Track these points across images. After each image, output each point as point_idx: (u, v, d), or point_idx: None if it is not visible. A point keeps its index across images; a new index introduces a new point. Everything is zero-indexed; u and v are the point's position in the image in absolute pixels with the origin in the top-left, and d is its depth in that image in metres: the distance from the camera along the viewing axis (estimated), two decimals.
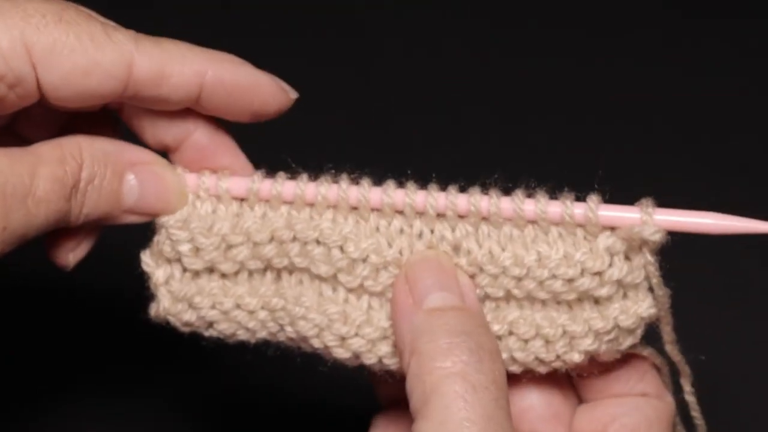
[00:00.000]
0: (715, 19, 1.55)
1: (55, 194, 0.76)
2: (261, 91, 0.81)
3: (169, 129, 0.82)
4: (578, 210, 0.80)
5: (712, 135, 1.43)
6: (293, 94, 0.83)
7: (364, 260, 0.81)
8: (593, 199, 0.80)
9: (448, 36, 1.52)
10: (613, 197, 0.81)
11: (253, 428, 1.13)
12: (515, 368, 0.82)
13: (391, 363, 0.81)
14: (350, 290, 0.82)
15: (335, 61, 1.46)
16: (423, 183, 0.82)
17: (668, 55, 1.51)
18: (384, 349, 0.81)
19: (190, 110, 0.82)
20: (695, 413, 0.88)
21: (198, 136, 0.83)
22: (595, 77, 1.47)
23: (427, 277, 0.79)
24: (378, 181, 0.82)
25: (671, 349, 0.84)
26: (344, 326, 0.81)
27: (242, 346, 0.84)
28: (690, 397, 0.87)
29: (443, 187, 0.82)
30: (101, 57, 0.75)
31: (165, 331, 0.84)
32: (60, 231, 0.82)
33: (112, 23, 0.78)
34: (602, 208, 0.80)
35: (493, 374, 0.73)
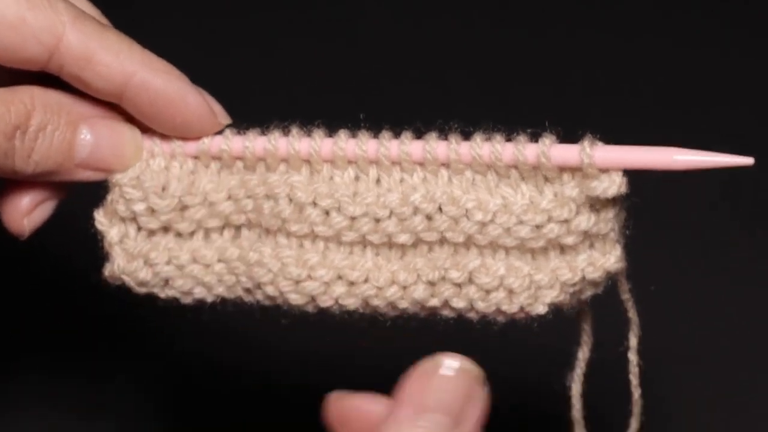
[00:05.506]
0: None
1: None
2: (186, 108, 0.80)
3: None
4: (531, 151, 0.77)
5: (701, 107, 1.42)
6: (224, 120, 0.82)
7: (313, 204, 0.79)
8: (546, 139, 0.77)
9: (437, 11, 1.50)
10: None
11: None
12: (473, 315, 0.80)
13: (348, 303, 0.80)
14: (303, 237, 0.81)
15: (320, 32, 1.45)
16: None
17: (659, 27, 1.49)
18: (339, 289, 0.80)
19: None
20: (633, 377, 0.84)
21: None
22: (585, 47, 1.46)
23: None
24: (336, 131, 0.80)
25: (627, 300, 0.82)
26: (297, 269, 0.80)
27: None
28: (632, 356, 0.84)
29: (397, 134, 0.80)
30: (32, 18, 0.75)
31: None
32: (12, 191, 0.82)
33: None
34: (554, 149, 0.77)
35: None
